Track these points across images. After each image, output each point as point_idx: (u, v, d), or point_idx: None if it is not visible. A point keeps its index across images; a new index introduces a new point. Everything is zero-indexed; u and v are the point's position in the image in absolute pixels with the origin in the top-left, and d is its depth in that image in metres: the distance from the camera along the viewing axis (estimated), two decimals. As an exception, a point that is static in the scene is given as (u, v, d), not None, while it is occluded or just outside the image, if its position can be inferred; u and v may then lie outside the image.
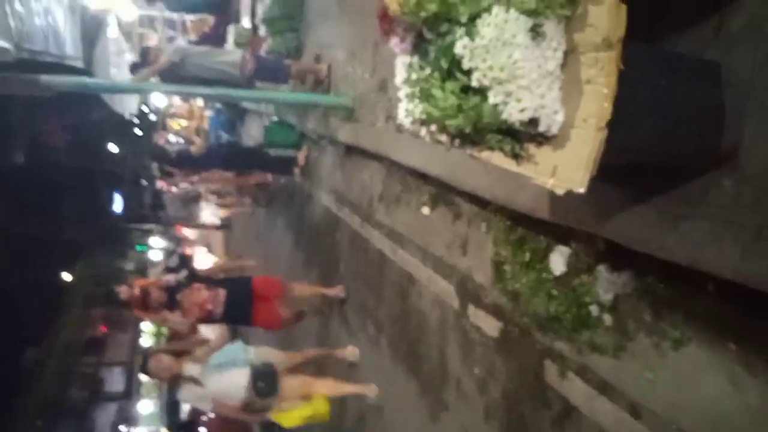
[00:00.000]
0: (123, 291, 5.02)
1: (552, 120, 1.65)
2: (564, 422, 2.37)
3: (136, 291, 4.89)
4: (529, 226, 2.63)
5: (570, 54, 1.62)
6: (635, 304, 2.07)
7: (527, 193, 2.39)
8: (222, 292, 4.77)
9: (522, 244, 2.68)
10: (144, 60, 5.72)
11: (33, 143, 19.99)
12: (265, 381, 4.19)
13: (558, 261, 2.43)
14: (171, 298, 4.76)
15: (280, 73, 6.05)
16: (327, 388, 4.54)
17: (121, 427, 17.51)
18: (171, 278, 4.94)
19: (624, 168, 1.81)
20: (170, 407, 9.89)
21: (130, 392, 19.97)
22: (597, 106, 1.56)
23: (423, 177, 3.65)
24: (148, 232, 28.99)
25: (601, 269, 2.21)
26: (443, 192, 3.43)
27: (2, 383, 20.38)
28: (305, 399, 4.38)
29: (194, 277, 4.99)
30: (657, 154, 1.71)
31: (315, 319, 5.98)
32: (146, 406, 21.53)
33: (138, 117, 23.32)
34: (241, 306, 4.83)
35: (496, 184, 2.66)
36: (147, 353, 4.50)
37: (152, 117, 26.00)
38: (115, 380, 22.30)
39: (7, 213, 22.80)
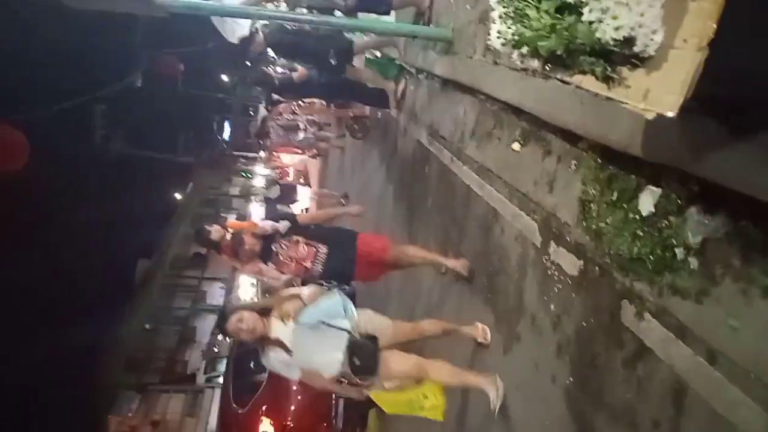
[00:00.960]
0: (214, 231, 4.62)
1: (649, 39, 1.56)
2: (636, 363, 2.33)
3: (228, 235, 4.53)
4: (621, 165, 2.52)
5: (677, -32, 1.51)
6: (725, 249, 1.97)
7: (621, 128, 2.28)
8: (323, 249, 4.33)
9: (611, 182, 2.58)
10: None
11: (150, 69, 21.18)
12: (362, 358, 3.44)
13: (647, 201, 2.33)
14: (266, 248, 4.33)
15: (382, 3, 6.00)
16: (443, 373, 3.60)
17: (219, 336, 19.04)
18: (268, 226, 4.46)
19: (726, 99, 1.68)
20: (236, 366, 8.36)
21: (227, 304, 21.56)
22: (700, 25, 1.45)
23: (516, 112, 3.56)
24: (254, 160, 30.33)
25: (692, 211, 2.09)
26: (535, 128, 3.34)
27: (119, 291, 22.66)
28: (414, 383, 3.56)
29: (295, 227, 4.55)
30: (765, 83, 1.58)
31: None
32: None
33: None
34: (343, 266, 4.35)
35: (589, 119, 2.55)
36: (226, 309, 3.78)
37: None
38: (215, 294, 24.06)
39: (125, 135, 24.66)
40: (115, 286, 23.33)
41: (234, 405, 7.52)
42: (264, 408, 7.04)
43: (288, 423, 6.84)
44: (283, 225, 4.48)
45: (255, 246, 4.29)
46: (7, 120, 5.12)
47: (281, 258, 4.26)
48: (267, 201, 12.16)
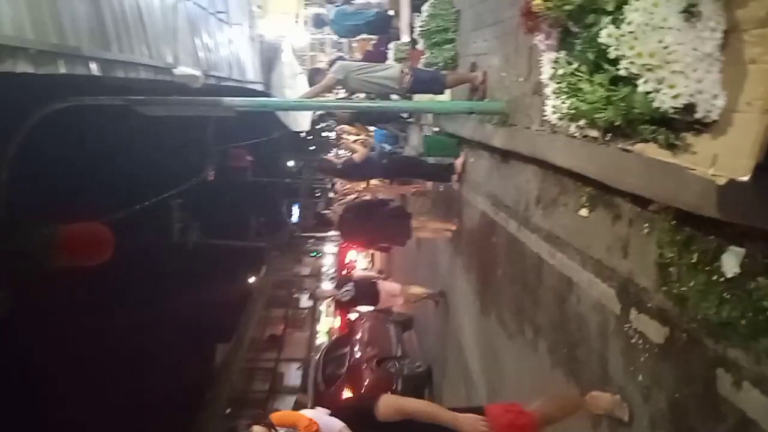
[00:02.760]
0: None
1: (711, 105, 1.55)
2: (740, 438, 2.16)
3: None
4: (697, 226, 2.43)
5: (730, 33, 1.52)
6: (823, 309, 1.84)
7: (692, 189, 2.21)
8: None
9: (689, 244, 2.49)
10: (313, 79, 6.24)
11: (222, 163, 22.45)
12: None
13: (731, 262, 2.22)
14: None
15: (436, 84, 6.21)
16: None
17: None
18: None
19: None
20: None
21: (306, 386, 21.52)
22: (764, 88, 1.44)
23: (580, 178, 3.53)
24: (322, 240, 31.06)
25: (782, 270, 1.99)
26: (601, 192, 3.29)
27: (200, 378, 23.12)
28: None
29: None
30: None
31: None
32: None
33: (310, 134, 25.17)
34: None
35: (656, 181, 2.50)
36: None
37: (325, 134, 27.91)
38: (292, 375, 24.13)
39: (201, 226, 25.95)
40: (197, 372, 23.83)
41: None
42: None
43: None
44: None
45: None
46: (96, 221, 5.57)
47: None
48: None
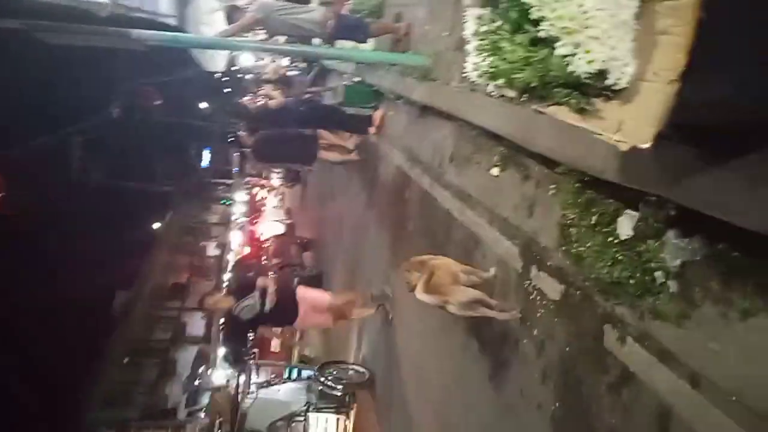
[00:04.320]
0: None
1: (622, 72, 1.59)
2: (621, 388, 2.34)
3: None
4: (598, 190, 2.56)
5: (645, 3, 1.55)
6: (703, 272, 1.99)
7: (597, 154, 2.31)
8: None
9: (590, 207, 2.62)
10: (231, 17, 5.90)
11: (128, 100, 21.12)
12: None
13: (625, 225, 2.36)
14: None
15: (360, 32, 6.06)
16: None
17: (201, 368, 18.71)
18: None
19: (699, 127, 1.72)
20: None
21: (209, 337, 21.24)
22: (671, 58, 1.49)
23: (495, 138, 3.60)
24: (232, 187, 30.24)
25: (670, 235, 2.13)
26: (514, 153, 3.38)
27: (97, 325, 22.20)
28: None
29: None
30: (735, 111, 1.62)
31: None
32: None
33: (226, 75, 24.08)
34: None
35: (566, 145, 2.59)
36: None
37: (242, 76, 26.83)
38: (196, 324, 23.72)
39: (104, 166, 24.47)
40: (94, 320, 22.84)
41: None
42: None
43: None
44: None
45: None
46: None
47: None
48: None
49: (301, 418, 6.42)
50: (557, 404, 2.78)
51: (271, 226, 16.83)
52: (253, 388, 8.20)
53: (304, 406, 6.56)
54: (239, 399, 8.29)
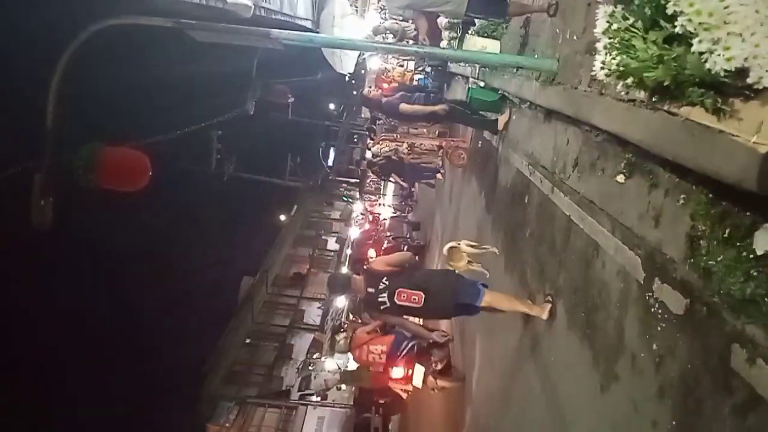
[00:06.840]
0: None
1: (764, 71, 1.51)
2: (747, 412, 2.17)
3: None
4: (734, 201, 2.39)
5: (797, -2, 1.46)
6: None
7: (734, 160, 2.17)
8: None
9: (723, 218, 2.45)
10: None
11: (263, 98, 22.46)
12: None
13: (763, 239, 2.19)
14: None
15: (499, 5, 5.97)
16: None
17: (314, 355, 19.55)
18: None
19: None
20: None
21: (323, 325, 22.09)
22: (822, 57, 1.39)
23: (621, 143, 3.46)
24: (355, 186, 31.19)
25: (814, 252, 1.95)
26: (641, 160, 3.23)
27: (224, 306, 23.88)
28: None
29: None
30: None
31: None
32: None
33: (355, 77, 24.89)
34: None
35: (700, 152, 2.45)
36: None
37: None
38: (312, 313, 24.74)
39: (237, 159, 26.23)
40: (222, 302, 24.62)
41: None
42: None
43: None
44: None
45: None
46: (129, 145, 5.61)
47: None
48: None
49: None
50: (674, 423, 2.63)
51: (387, 210, 23.01)
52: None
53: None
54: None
